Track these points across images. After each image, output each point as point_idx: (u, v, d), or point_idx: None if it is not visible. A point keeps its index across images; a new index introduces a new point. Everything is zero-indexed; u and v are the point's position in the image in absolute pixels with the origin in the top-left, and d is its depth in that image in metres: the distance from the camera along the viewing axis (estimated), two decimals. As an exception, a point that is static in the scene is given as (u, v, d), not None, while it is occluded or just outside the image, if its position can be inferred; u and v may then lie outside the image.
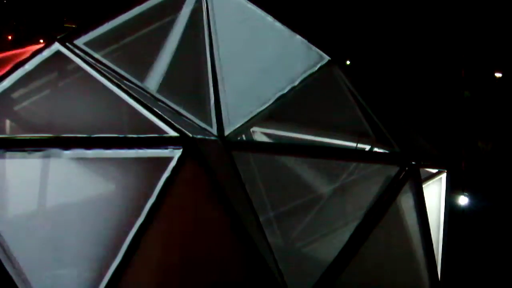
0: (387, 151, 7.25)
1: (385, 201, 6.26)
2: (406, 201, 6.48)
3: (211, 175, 5.43)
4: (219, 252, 5.67)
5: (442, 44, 25.79)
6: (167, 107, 6.05)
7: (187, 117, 6.04)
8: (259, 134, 7.94)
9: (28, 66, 5.99)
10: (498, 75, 27.04)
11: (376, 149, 7.63)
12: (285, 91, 6.47)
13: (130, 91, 5.81)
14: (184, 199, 5.53)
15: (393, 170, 6.39)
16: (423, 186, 6.68)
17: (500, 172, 19.20)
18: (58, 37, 6.19)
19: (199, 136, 5.59)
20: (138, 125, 5.64)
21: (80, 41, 6.24)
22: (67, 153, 5.18)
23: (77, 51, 6.12)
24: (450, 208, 7.26)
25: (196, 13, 6.77)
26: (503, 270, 12.28)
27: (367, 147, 7.74)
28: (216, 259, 5.66)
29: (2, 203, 5.31)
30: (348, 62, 25.19)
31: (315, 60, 6.81)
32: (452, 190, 7.36)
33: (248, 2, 6.88)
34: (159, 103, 6.05)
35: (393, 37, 26.28)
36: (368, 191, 6.52)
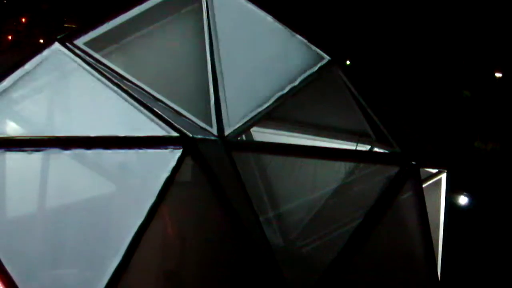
0: (387, 151, 7.25)
1: (385, 201, 6.26)
2: (406, 201, 6.48)
3: (211, 175, 5.44)
4: (219, 252, 5.67)
5: (442, 44, 25.79)
6: (167, 107, 6.05)
7: (187, 117, 6.04)
8: (259, 134, 7.94)
9: (28, 66, 5.99)
10: (498, 75, 27.05)
11: (376, 149, 7.64)
12: (285, 91, 6.47)
13: (130, 91, 5.81)
14: (184, 199, 5.53)
15: (393, 170, 6.39)
16: (423, 186, 6.68)
17: (500, 172, 19.19)
18: (58, 37, 6.19)
19: (199, 136, 5.60)
20: (138, 125, 5.64)
21: (80, 41, 6.24)
22: (67, 153, 5.18)
23: (77, 51, 6.12)
24: (450, 208, 7.26)
25: (196, 13, 6.77)
26: (503, 270, 12.28)
27: (367, 147, 7.75)
28: (216, 259, 5.66)
29: (2, 203, 5.30)
30: (348, 62, 25.19)
31: (315, 60, 6.81)
32: (452, 190, 7.37)
33: (248, 2, 6.88)
34: (159, 103, 6.05)
35: (393, 37, 26.28)
36: (368, 191, 6.52)
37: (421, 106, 23.10)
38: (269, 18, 6.86)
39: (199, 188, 5.58)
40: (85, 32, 6.32)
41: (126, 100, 5.74)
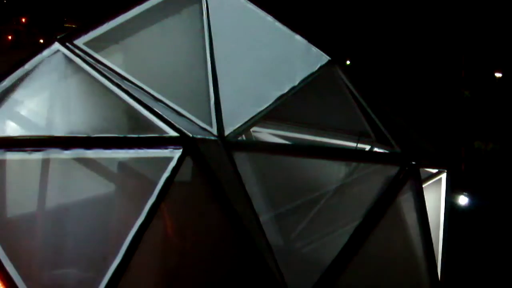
0: (387, 151, 7.25)
1: (385, 201, 6.26)
2: (406, 201, 6.47)
3: (211, 175, 5.43)
4: (219, 252, 5.67)
5: (442, 44, 25.79)
6: (167, 107, 6.05)
7: (187, 117, 6.04)
8: (259, 134, 7.95)
9: (28, 66, 5.99)
10: (498, 75, 27.05)
11: (376, 149, 7.63)
12: (285, 91, 6.47)
13: (130, 91, 5.81)
14: (184, 199, 5.53)
15: (393, 170, 6.39)
16: (423, 186, 6.68)
17: (500, 172, 19.20)
18: (58, 37, 6.19)
19: (199, 136, 5.59)
20: (138, 125, 5.63)
21: (80, 41, 6.24)
22: (67, 153, 5.18)
23: (77, 51, 6.12)
24: (450, 208, 7.25)
25: (196, 13, 6.76)
26: (503, 270, 12.28)
27: (367, 147, 7.74)
28: (216, 259, 5.66)
29: (1, 203, 5.31)
30: (348, 62, 25.17)
31: (315, 60, 6.80)
32: (452, 190, 7.36)
33: (248, 2, 6.88)
34: (159, 103, 6.05)
35: (393, 37, 26.28)
36: (368, 191, 6.52)
37: (421, 106, 23.10)
38: (269, 18, 6.85)
39: (199, 188, 5.57)
40: (85, 32, 6.31)
41: (126, 100, 5.74)
